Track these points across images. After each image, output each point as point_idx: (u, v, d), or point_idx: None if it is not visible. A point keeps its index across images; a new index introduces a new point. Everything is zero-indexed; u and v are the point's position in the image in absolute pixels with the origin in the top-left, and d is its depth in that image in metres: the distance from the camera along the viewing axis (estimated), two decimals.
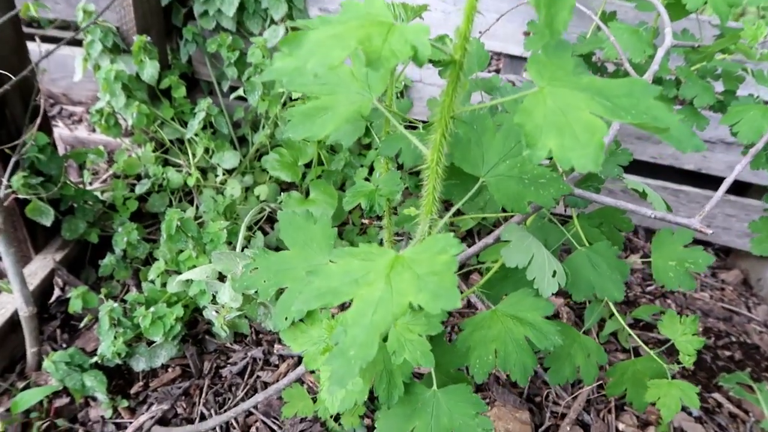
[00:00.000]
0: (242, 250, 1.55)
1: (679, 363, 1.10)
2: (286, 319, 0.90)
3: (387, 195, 1.20)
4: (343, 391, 0.86)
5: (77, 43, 2.09)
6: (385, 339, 0.91)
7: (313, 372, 0.93)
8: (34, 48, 1.76)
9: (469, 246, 1.65)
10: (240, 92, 1.97)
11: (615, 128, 1.02)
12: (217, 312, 1.40)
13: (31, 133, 1.46)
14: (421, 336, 0.88)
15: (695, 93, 1.32)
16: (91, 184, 2.08)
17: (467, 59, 0.77)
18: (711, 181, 2.21)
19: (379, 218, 2.02)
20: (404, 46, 0.57)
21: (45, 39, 2.42)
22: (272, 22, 2.06)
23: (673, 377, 1.15)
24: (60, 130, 2.39)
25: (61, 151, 2.25)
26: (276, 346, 1.69)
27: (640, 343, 1.18)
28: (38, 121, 1.45)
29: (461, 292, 1.13)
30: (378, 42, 0.57)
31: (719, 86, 1.43)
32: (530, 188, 0.89)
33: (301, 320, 0.97)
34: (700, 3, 1.29)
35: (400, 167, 1.65)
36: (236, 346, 1.69)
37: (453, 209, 0.90)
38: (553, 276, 0.95)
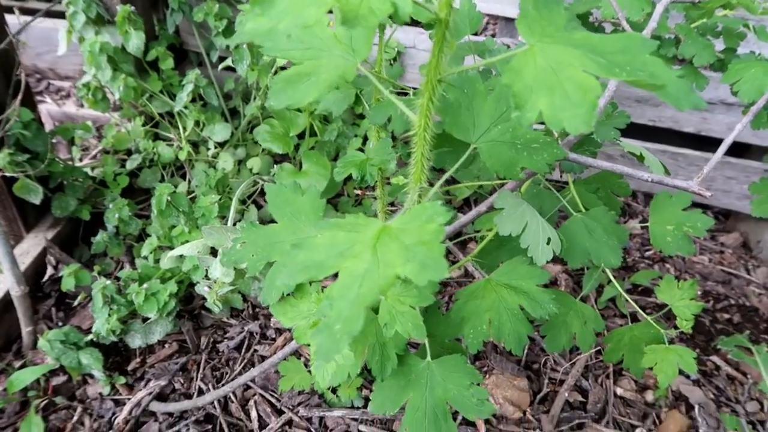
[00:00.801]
0: (235, 225, 1.52)
1: (676, 328, 1.09)
2: (275, 293, 0.89)
3: (378, 164, 1.17)
4: (333, 364, 0.85)
5: (61, 15, 2.03)
6: (376, 311, 0.90)
7: (309, 345, 0.91)
8: (14, 21, 1.71)
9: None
10: (228, 62, 1.92)
11: (611, 89, 0.99)
12: (209, 287, 1.39)
13: (13, 108, 1.42)
14: (413, 308, 0.86)
15: (695, 51, 1.28)
16: (81, 160, 2.05)
17: (456, 19, 0.73)
18: (711, 144, 2.17)
19: (373, 189, 2.00)
20: (383, 4, 0.53)
21: (25, 11, 2.35)
22: None
23: (672, 341, 1.14)
24: (48, 106, 2.34)
25: (50, 127, 2.21)
26: (272, 319, 1.68)
27: (638, 309, 1.17)
28: (20, 96, 1.41)
29: (457, 261, 1.11)
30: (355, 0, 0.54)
31: (720, 44, 1.39)
32: (523, 154, 0.86)
33: (290, 294, 0.95)
34: None
35: (395, 137, 1.62)
36: (233, 321, 1.68)
37: (444, 177, 0.87)
38: (548, 243, 0.92)
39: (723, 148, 0.89)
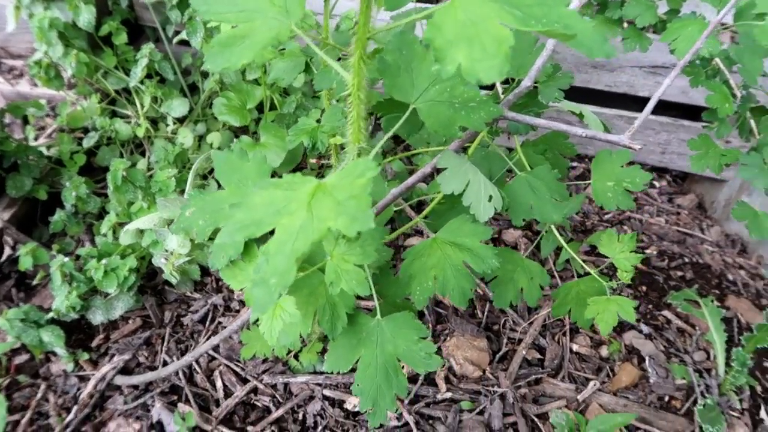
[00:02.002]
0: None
1: (618, 281, 1.13)
2: (223, 257, 0.90)
3: (329, 132, 1.19)
4: (280, 322, 0.87)
5: None
6: (323, 271, 0.92)
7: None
8: None
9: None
10: (183, 36, 1.89)
11: (549, 48, 1.01)
12: (165, 259, 1.39)
13: None
14: (360, 267, 0.89)
15: (638, 13, 1.31)
16: (36, 139, 2.01)
17: None
18: (666, 107, 2.23)
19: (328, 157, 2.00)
20: None
21: None
22: None
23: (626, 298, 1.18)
24: (0, 86, 2.28)
25: (2, 107, 2.16)
26: (236, 292, 1.70)
27: (584, 266, 1.21)
28: None
29: (411, 220, 1.14)
30: None
31: (664, 7, 1.42)
32: (461, 113, 0.88)
33: (240, 258, 0.97)
34: None
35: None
36: (196, 295, 1.69)
37: (385, 137, 0.89)
38: (489, 200, 0.95)
39: (651, 104, 0.92)
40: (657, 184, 2.47)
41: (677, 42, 1.13)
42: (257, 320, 0.95)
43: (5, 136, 1.63)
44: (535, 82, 1.10)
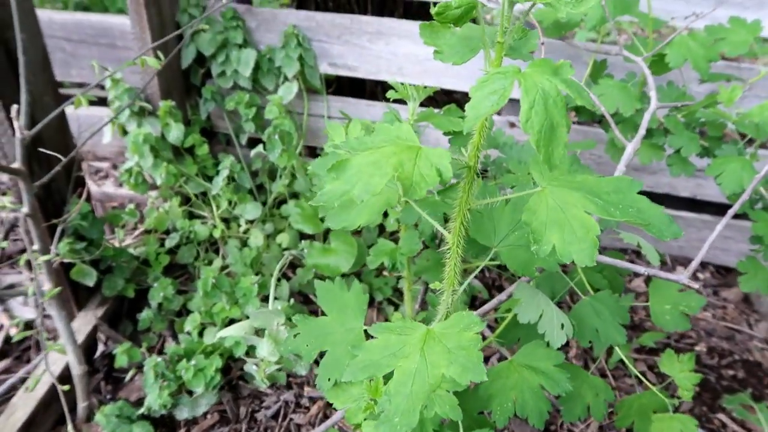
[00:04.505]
0: (275, 299, 1.67)
1: (679, 398, 1.22)
2: (330, 381, 1.03)
3: (407, 254, 1.33)
4: None
5: (101, 102, 2.25)
6: None
7: (358, 426, 1.05)
8: (71, 114, 1.91)
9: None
10: (260, 149, 2.11)
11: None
12: (256, 365, 1.52)
13: (78, 204, 1.59)
14: (449, 392, 1.00)
15: (682, 144, 1.45)
16: (122, 241, 2.22)
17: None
18: (706, 206, 2.34)
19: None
20: (431, 170, 0.70)
21: (69, 98, 2.58)
22: (285, 79, 2.21)
23: (681, 403, 1.26)
24: (90, 186, 2.53)
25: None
26: (306, 388, 1.81)
27: (642, 378, 1.30)
28: (84, 195, 1.59)
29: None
30: (409, 167, 0.70)
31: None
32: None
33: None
34: (680, 62, 1.43)
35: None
36: (268, 390, 1.81)
37: (469, 278, 1.02)
38: (562, 328, 1.07)
39: (714, 234, 1.04)
40: (701, 276, 2.54)
41: (723, 177, 1.26)
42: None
43: (105, 244, 1.83)
44: None
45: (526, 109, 0.60)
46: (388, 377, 0.82)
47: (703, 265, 2.60)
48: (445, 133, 1.26)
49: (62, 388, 1.40)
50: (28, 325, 1.92)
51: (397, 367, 0.81)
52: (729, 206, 2.32)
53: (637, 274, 2.47)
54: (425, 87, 1.21)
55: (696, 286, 1.01)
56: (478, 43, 0.79)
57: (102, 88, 2.49)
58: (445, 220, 0.94)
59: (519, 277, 1.07)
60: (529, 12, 0.74)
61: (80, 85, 2.79)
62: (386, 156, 0.72)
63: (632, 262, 2.52)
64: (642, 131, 1.23)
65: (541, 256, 0.72)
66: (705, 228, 2.33)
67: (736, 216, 2.37)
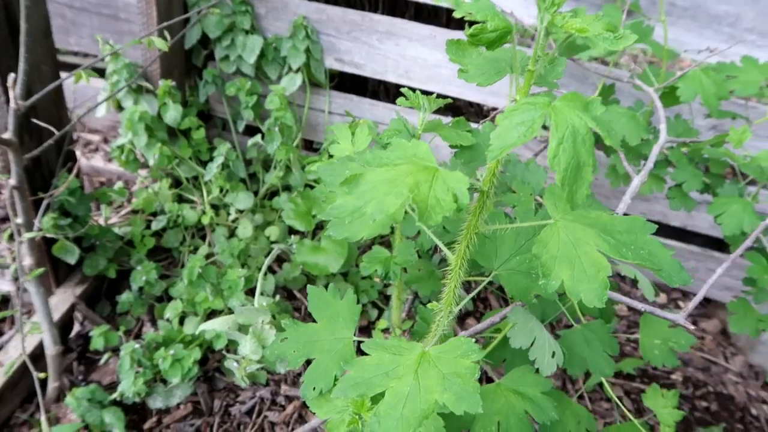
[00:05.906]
0: (261, 294, 1.64)
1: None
2: (315, 390, 1.01)
3: (402, 264, 1.31)
4: None
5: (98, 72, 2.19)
6: None
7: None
8: (66, 83, 1.85)
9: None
10: (258, 139, 2.07)
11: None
12: (237, 362, 1.50)
13: (67, 180, 1.55)
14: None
15: (685, 179, 1.45)
16: (107, 220, 2.16)
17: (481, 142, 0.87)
18: (695, 236, 2.35)
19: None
20: (447, 195, 0.68)
21: (65, 66, 2.51)
22: (289, 69, 2.17)
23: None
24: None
25: None
26: (283, 386, 1.78)
27: (615, 401, 1.30)
28: (75, 170, 1.55)
29: (456, 334, 1.24)
30: (425, 189, 0.68)
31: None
32: (537, 282, 1.00)
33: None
34: (692, 97, 1.43)
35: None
36: (245, 385, 1.78)
37: (465, 300, 1.01)
38: (552, 356, 1.06)
39: (718, 272, 1.04)
40: (681, 304, 2.56)
41: (724, 218, 1.26)
42: None
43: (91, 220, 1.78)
44: None
45: (554, 146, 0.58)
46: (375, 395, 0.81)
47: (685, 294, 2.63)
48: (451, 146, 1.24)
49: (40, 376, 1.36)
50: (3, 297, 1.87)
51: (389, 387, 0.79)
52: (717, 239, 2.36)
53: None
54: (436, 97, 1.19)
55: (693, 327, 1.01)
56: (506, 67, 0.77)
57: (101, 59, 2.43)
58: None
59: (509, 296, 1.05)
60: (555, 39, 0.73)
61: (76, 54, 2.72)
62: (402, 175, 0.70)
63: (627, 292, 2.53)
64: (650, 164, 1.22)
65: (549, 291, 0.71)
66: (692, 259, 2.35)
67: (720, 249, 2.39)
